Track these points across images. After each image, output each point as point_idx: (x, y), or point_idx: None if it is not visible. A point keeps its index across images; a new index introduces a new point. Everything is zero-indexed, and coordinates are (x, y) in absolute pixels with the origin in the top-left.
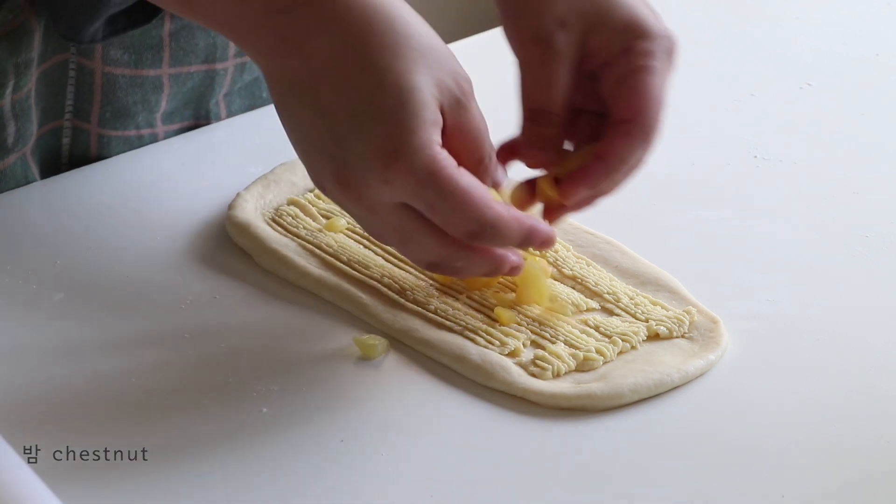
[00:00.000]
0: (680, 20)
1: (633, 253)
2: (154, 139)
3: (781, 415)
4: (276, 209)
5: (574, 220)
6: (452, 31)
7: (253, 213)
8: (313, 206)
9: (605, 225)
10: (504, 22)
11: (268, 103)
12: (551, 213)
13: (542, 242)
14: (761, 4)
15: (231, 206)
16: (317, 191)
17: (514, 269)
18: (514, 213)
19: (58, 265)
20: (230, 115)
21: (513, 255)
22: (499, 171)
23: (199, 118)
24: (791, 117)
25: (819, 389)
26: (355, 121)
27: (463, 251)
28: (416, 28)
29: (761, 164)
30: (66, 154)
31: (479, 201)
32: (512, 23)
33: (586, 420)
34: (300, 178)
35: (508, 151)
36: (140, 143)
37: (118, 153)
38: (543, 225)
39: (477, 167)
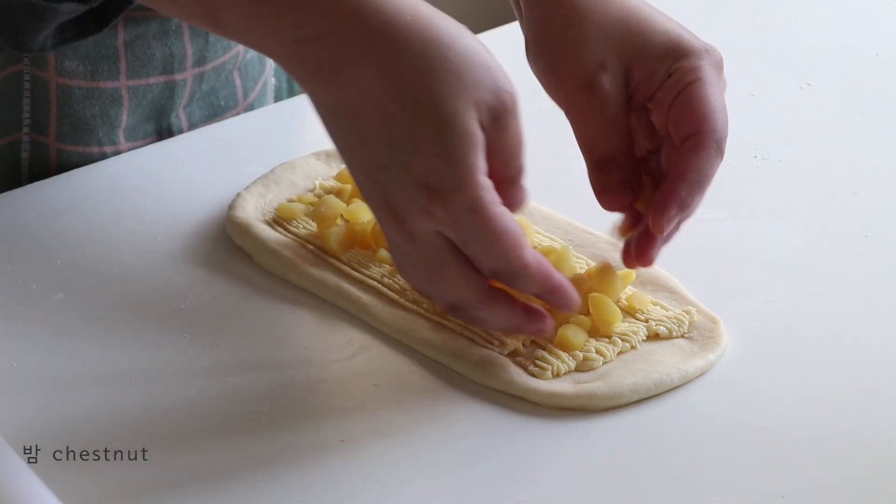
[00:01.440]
0: (680, 20)
1: None
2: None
3: (781, 415)
4: (277, 209)
5: (574, 220)
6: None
7: (253, 213)
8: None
9: (606, 225)
10: (542, 74)
11: (225, 110)
12: (643, 248)
13: (562, 303)
14: (761, 4)
15: (231, 207)
16: (317, 191)
17: (539, 331)
18: (544, 265)
19: (58, 265)
20: (191, 127)
21: (543, 321)
22: (523, 191)
23: (161, 133)
24: (791, 117)
25: (819, 389)
26: (395, 151)
27: (487, 300)
28: (452, 46)
29: (761, 164)
30: (25, 169)
31: (514, 243)
32: (551, 74)
33: (586, 420)
34: (300, 178)
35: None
36: (102, 160)
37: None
38: (570, 288)
39: (509, 184)
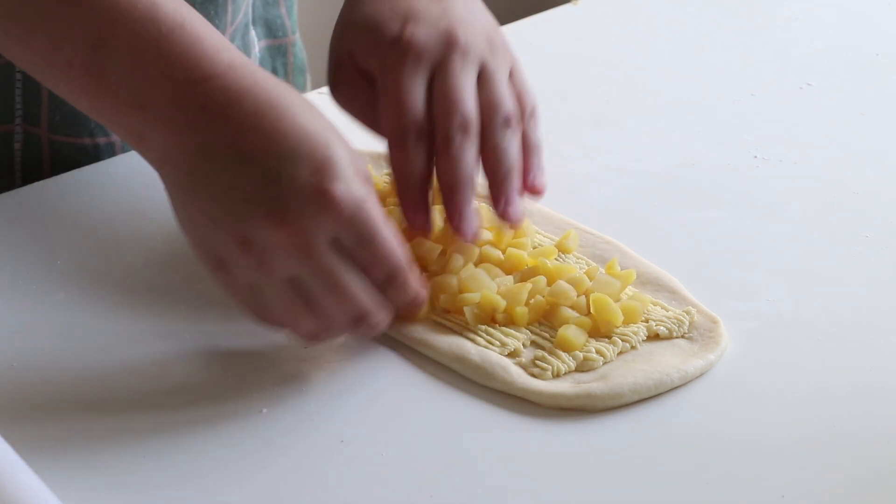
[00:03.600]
0: (680, 20)
1: (632, 253)
2: (111, 151)
3: (781, 415)
4: None
5: (574, 220)
6: None
7: None
8: None
9: (605, 225)
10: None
11: None
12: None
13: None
14: (761, 4)
15: None
16: None
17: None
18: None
19: (58, 265)
20: None
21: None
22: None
23: None
24: (791, 117)
25: (819, 389)
26: (285, 159)
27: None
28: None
29: (761, 164)
30: (18, 161)
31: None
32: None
33: (586, 420)
34: None
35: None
36: (96, 152)
37: (73, 162)
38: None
39: None
